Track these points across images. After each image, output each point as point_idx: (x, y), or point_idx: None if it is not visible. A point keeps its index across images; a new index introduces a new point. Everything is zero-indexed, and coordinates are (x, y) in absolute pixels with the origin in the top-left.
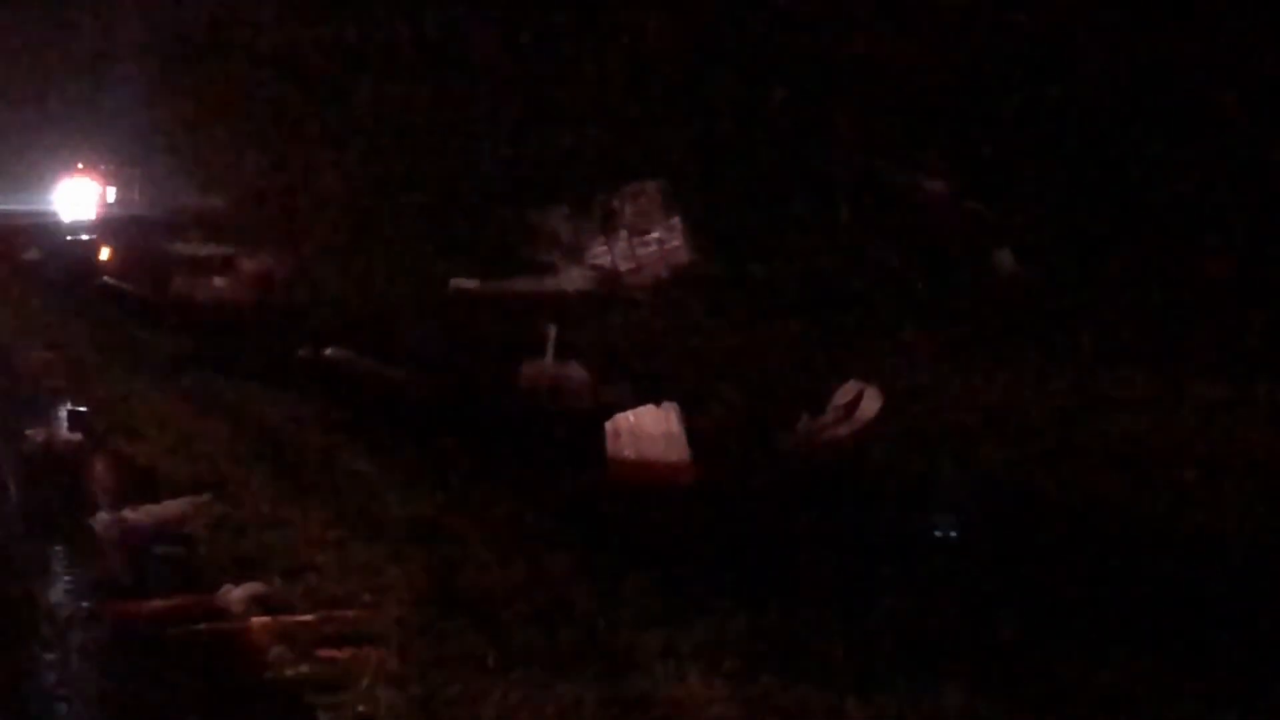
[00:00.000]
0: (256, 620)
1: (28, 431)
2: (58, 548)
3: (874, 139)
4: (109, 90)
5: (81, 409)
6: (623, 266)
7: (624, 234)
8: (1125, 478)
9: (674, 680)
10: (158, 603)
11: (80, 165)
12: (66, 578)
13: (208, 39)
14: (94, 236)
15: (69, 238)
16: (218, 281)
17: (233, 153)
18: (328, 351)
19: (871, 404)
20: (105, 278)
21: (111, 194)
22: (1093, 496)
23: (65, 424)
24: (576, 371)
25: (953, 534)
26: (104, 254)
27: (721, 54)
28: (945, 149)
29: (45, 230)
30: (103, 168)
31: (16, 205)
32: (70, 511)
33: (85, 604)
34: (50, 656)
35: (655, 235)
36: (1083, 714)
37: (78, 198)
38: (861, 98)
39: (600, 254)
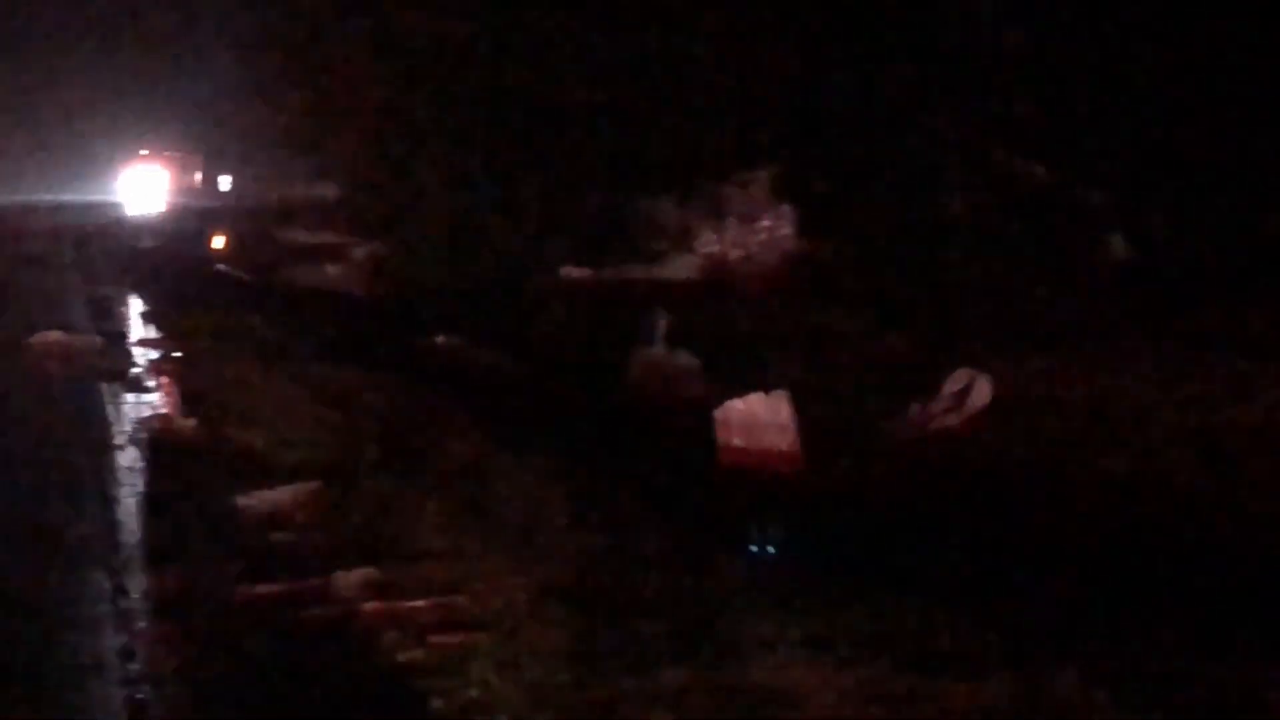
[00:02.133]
0: (369, 606)
1: (144, 417)
2: (175, 533)
3: (985, 125)
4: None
5: (197, 396)
6: (732, 254)
7: (734, 222)
8: (1247, 471)
9: (780, 668)
10: (272, 588)
11: (144, 152)
12: (184, 563)
13: (318, 29)
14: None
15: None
16: (329, 269)
17: (344, 142)
18: (438, 339)
19: (982, 392)
20: (218, 265)
21: (194, 179)
22: (1207, 488)
23: (180, 411)
24: (686, 359)
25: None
26: (216, 242)
27: (832, 40)
28: (1057, 134)
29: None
30: (168, 154)
31: (82, 195)
32: (188, 498)
33: (206, 588)
34: (170, 638)
35: (765, 223)
36: (1196, 707)
37: (143, 186)
38: (972, 83)
39: (710, 242)
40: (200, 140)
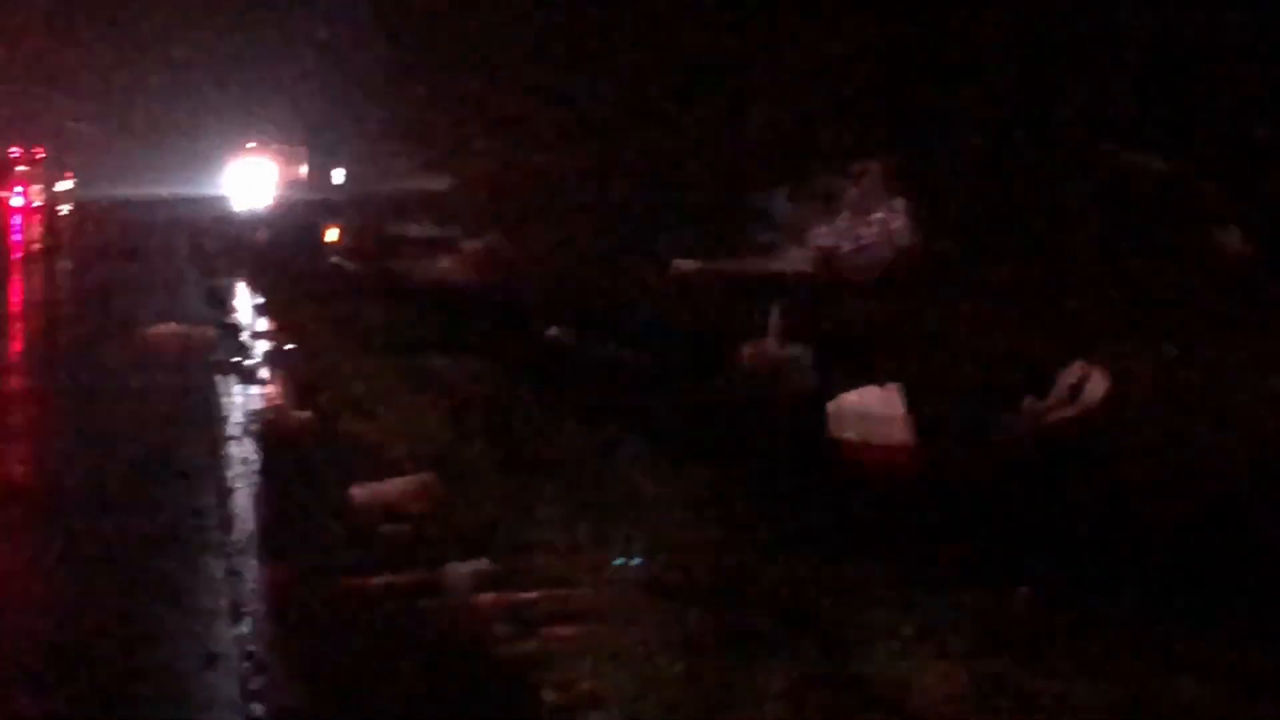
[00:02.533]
0: (481, 598)
1: (258, 409)
2: (289, 524)
3: (1099, 117)
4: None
5: (310, 387)
6: (845, 247)
7: (847, 215)
8: None
9: (894, 661)
10: (384, 579)
11: (251, 145)
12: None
13: (430, 24)
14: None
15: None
16: (442, 262)
17: (456, 135)
18: (550, 331)
19: (1098, 386)
20: (333, 258)
21: (299, 172)
22: None
23: (294, 403)
24: (798, 352)
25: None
26: (330, 234)
27: (946, 32)
28: (1171, 126)
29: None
30: (275, 147)
31: (191, 189)
32: (302, 489)
33: (319, 579)
34: (285, 628)
35: (878, 216)
36: None
37: (249, 179)
38: (1086, 75)
39: (823, 235)
40: (307, 134)
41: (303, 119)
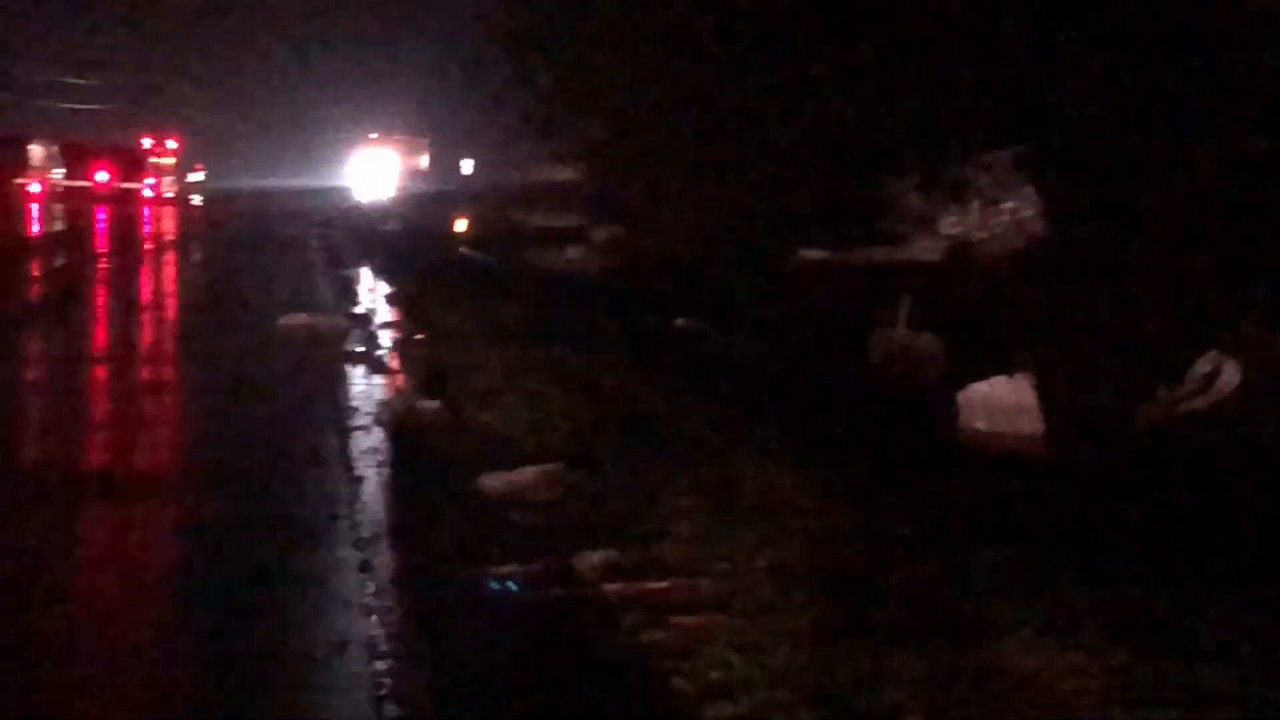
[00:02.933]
0: (611, 586)
1: (387, 399)
2: (419, 512)
3: (1229, 102)
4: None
5: (439, 377)
6: (975, 236)
7: (977, 204)
8: None
9: (1023, 653)
10: (513, 568)
11: (373, 136)
12: (428, 542)
13: (559, 12)
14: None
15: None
16: (569, 252)
17: (584, 125)
18: (678, 322)
19: (1231, 377)
20: (462, 248)
21: (420, 163)
22: None
23: (423, 392)
24: (928, 342)
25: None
26: (459, 225)
27: (1077, 20)
28: None
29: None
30: (396, 138)
31: (314, 180)
32: (431, 478)
33: (449, 568)
34: (415, 617)
35: (1009, 205)
36: None
37: (372, 170)
38: (1216, 59)
39: (952, 224)
40: (429, 125)
41: (425, 110)
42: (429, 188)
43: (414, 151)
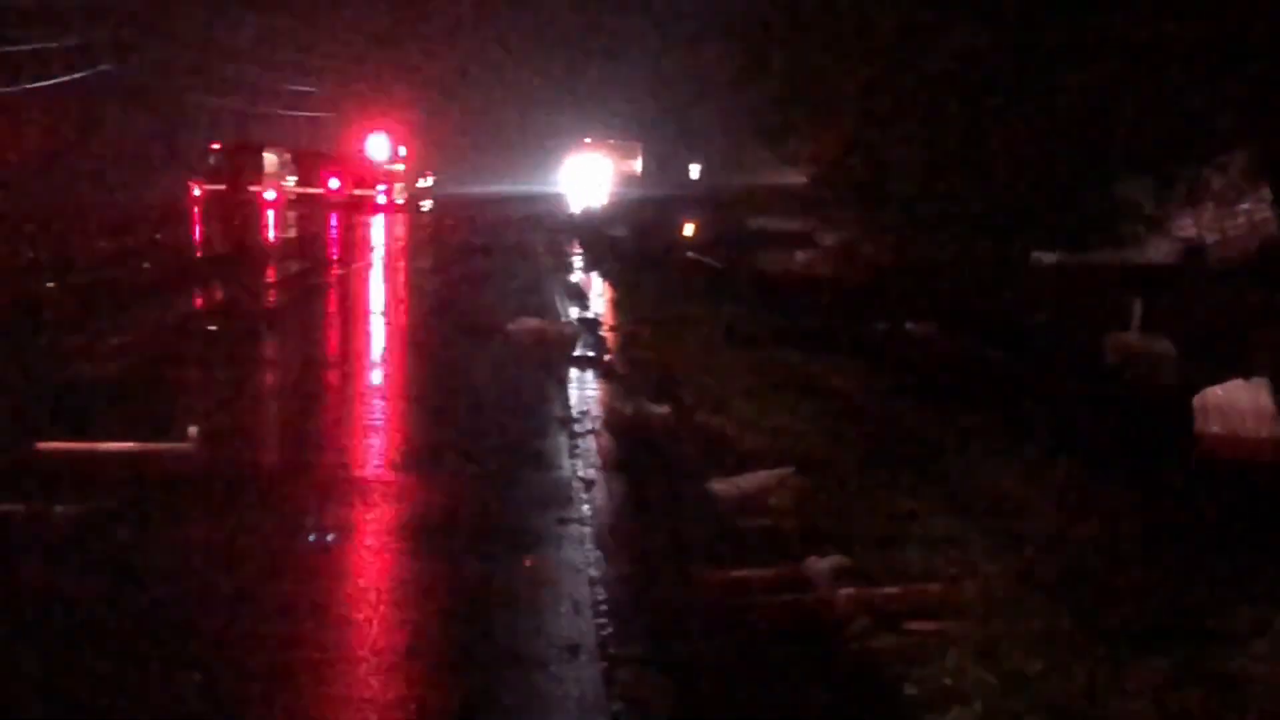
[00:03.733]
0: (841, 592)
1: (618, 403)
2: (650, 517)
3: None
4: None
5: (668, 381)
6: (1209, 239)
7: (1211, 206)
8: None
9: (1272, 659)
10: (744, 573)
11: (588, 141)
12: (659, 547)
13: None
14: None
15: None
16: (798, 256)
17: (813, 130)
18: (908, 325)
19: None
20: (689, 252)
21: (634, 168)
22: None
23: (652, 396)
24: (1163, 345)
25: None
26: (687, 229)
27: None
28: None
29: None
30: (610, 143)
31: (532, 185)
32: (661, 481)
33: (680, 572)
34: (646, 620)
35: (1244, 207)
36: None
37: (585, 175)
38: None
39: (1186, 226)
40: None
41: (638, 115)
42: (645, 192)
43: (627, 156)
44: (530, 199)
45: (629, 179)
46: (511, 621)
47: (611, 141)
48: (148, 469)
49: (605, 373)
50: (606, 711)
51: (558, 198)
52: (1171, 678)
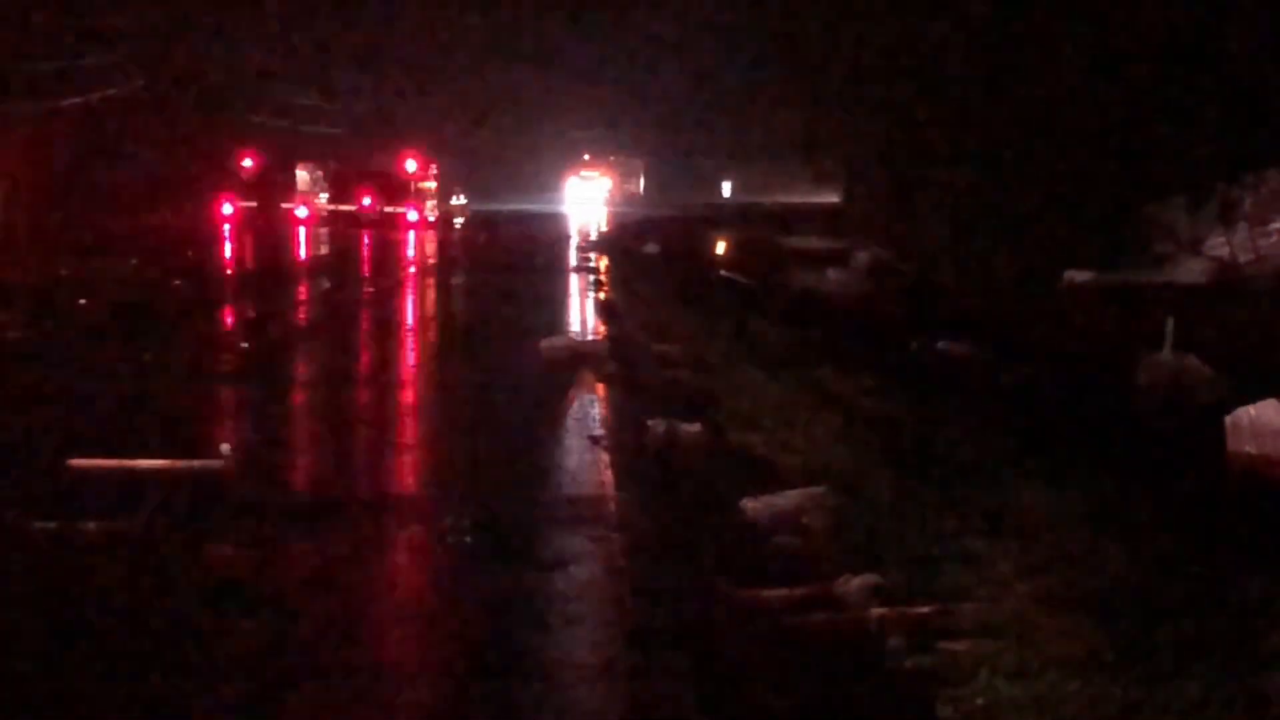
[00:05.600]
0: (874, 611)
1: (649, 422)
2: (682, 535)
3: None
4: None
5: (700, 399)
6: (1242, 258)
7: (1244, 225)
8: None
9: None
10: (777, 591)
11: (586, 157)
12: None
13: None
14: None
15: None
16: (830, 274)
17: (845, 148)
18: (940, 344)
19: None
20: (721, 270)
21: (635, 188)
22: None
23: (684, 414)
24: (1195, 364)
25: None
26: (718, 247)
27: None
28: None
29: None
30: (611, 159)
31: (527, 204)
32: (693, 500)
33: (711, 590)
34: (678, 638)
35: (1277, 225)
36: None
37: (585, 193)
38: None
39: (1218, 245)
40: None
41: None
42: (638, 212)
43: (628, 174)
44: (555, 216)
45: (631, 198)
46: (543, 644)
47: (611, 159)
48: (180, 486)
49: (638, 391)
50: None
51: (580, 215)
52: (1208, 698)
